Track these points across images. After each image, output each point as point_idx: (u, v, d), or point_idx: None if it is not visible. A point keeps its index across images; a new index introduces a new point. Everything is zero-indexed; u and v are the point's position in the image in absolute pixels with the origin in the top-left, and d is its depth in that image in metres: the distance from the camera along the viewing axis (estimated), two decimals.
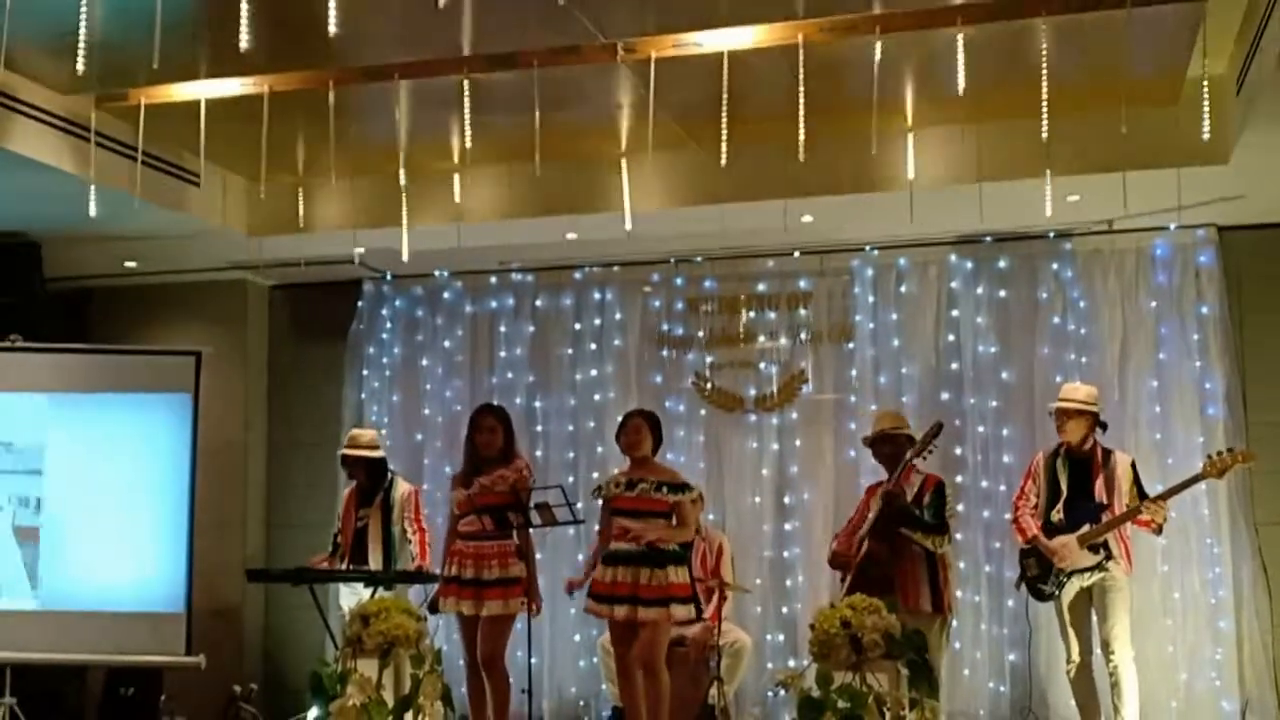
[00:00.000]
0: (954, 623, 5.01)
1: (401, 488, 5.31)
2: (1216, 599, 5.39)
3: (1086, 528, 4.71)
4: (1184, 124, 4.32)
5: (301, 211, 5.34)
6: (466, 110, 4.15)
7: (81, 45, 3.51)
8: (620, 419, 4.74)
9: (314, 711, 3.83)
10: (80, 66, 3.42)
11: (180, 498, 5.55)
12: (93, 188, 4.44)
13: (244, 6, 3.08)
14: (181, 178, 5.25)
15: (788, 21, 3.81)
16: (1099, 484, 4.76)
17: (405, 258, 4.91)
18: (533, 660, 4.75)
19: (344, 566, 5.19)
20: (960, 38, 3.71)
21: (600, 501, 4.66)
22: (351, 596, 5.16)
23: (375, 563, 5.15)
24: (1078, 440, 4.80)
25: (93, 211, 4.42)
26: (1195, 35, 3.94)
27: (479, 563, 4.58)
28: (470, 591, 4.56)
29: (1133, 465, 4.82)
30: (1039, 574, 4.81)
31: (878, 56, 3.73)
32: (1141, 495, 4.74)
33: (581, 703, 6.07)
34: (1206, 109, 3.97)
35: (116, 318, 6.59)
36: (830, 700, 3.19)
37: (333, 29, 3.03)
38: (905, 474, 4.68)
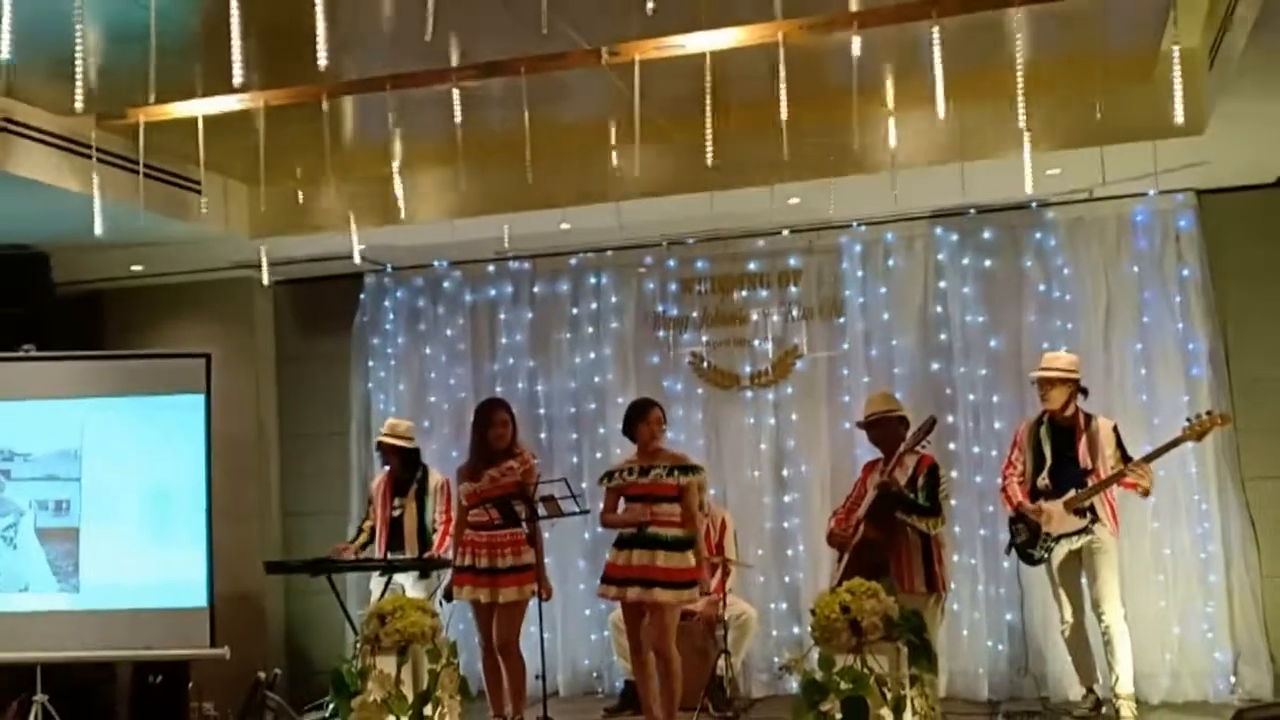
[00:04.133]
0: (949, 600, 5.08)
1: (435, 478, 5.42)
2: (1206, 554, 5.51)
3: (1072, 492, 4.86)
4: (1159, 99, 4.38)
5: (302, 213, 5.43)
6: (458, 116, 4.24)
7: (78, 75, 3.58)
8: (636, 408, 4.74)
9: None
10: (79, 101, 3.50)
11: (198, 495, 5.71)
12: (98, 205, 4.53)
13: (235, 43, 3.15)
14: (184, 187, 5.34)
15: (768, 23, 3.88)
16: (1082, 449, 4.89)
17: (403, 214, 4.94)
18: (545, 636, 4.86)
19: (382, 555, 5.28)
20: (936, 30, 3.77)
21: (605, 486, 4.75)
22: (380, 582, 5.26)
23: (411, 551, 5.25)
24: (1060, 407, 4.93)
25: (98, 229, 4.52)
26: (1168, 11, 4.00)
27: (493, 551, 4.73)
28: (486, 579, 4.72)
29: (1115, 429, 4.94)
30: (1028, 539, 4.97)
31: (856, 51, 3.80)
32: (1125, 458, 4.85)
33: (595, 674, 6.25)
34: (1179, 86, 4.03)
35: (127, 320, 6.72)
36: (833, 682, 3.27)
37: (322, 61, 3.12)
38: (899, 459, 4.76)
